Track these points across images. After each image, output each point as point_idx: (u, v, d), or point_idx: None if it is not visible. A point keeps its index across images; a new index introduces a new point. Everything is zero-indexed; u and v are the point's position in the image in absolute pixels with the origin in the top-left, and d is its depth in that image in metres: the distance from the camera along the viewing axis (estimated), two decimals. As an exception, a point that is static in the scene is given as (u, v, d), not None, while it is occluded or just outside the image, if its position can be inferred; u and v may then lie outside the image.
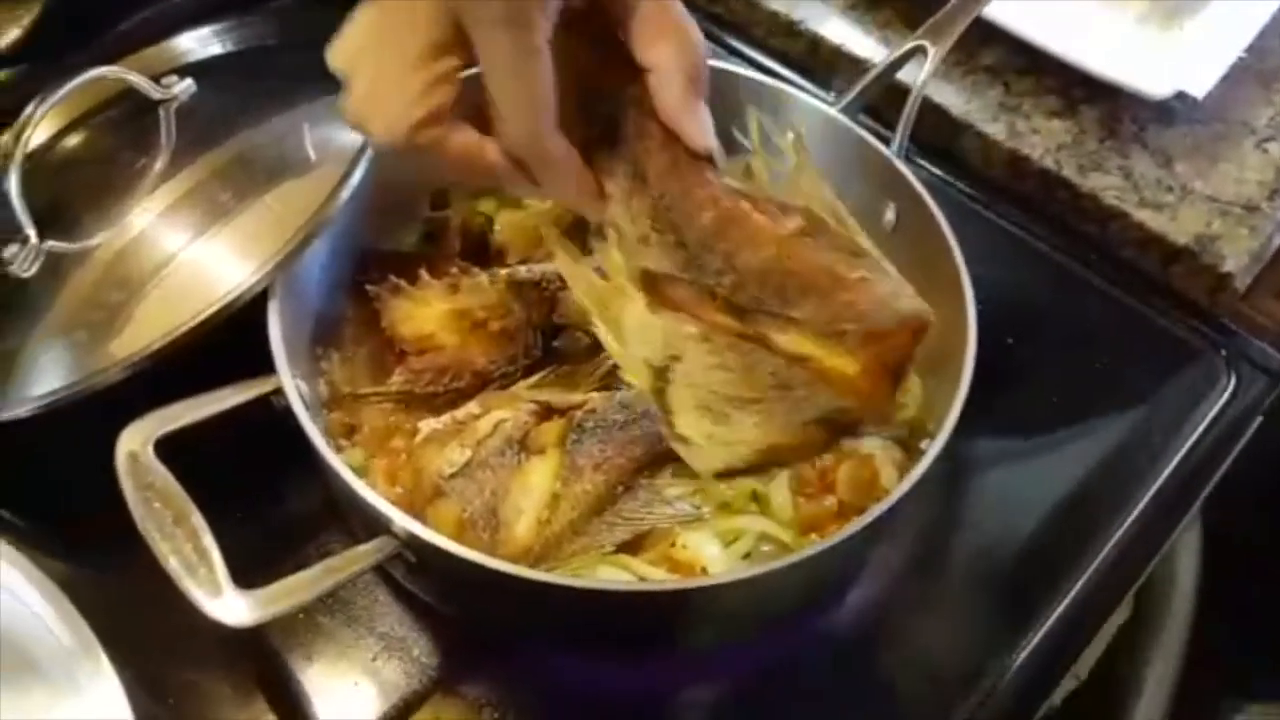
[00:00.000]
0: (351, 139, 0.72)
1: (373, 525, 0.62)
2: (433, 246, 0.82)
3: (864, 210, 0.79)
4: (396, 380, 0.73)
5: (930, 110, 0.93)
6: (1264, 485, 0.82)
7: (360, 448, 0.72)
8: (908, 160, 0.79)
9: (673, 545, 0.69)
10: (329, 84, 0.80)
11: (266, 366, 0.66)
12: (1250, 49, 0.95)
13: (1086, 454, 0.81)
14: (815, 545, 0.63)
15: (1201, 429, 0.81)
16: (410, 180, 0.80)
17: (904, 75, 0.82)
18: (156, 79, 0.79)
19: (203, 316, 0.66)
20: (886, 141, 0.79)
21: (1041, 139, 0.92)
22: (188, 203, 0.74)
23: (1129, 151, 0.92)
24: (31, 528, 0.72)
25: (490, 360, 0.73)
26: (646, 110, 0.60)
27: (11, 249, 0.72)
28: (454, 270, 0.77)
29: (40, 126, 0.74)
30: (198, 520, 0.61)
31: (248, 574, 0.60)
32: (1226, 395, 0.83)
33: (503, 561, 0.61)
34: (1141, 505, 0.77)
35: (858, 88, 0.82)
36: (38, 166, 0.77)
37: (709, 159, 0.61)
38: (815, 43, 0.99)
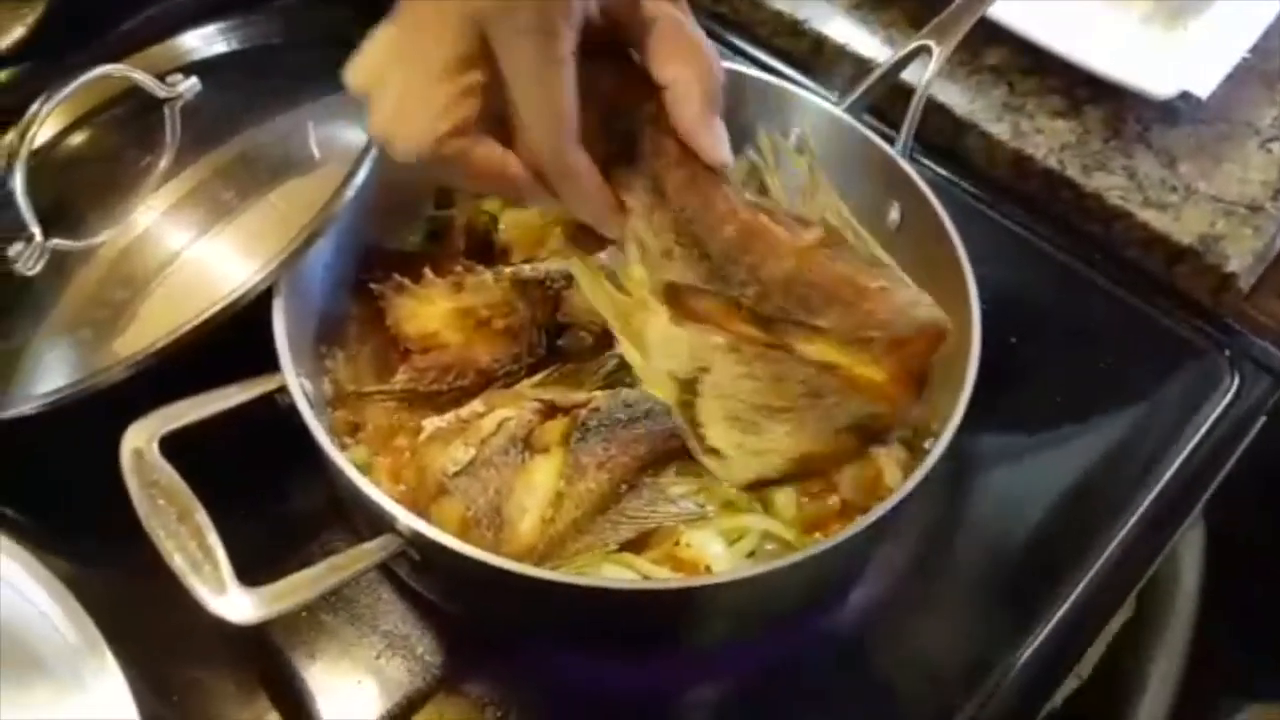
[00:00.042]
0: (356, 138, 0.73)
1: (377, 523, 0.62)
2: (437, 245, 0.82)
3: (869, 209, 0.80)
4: (400, 379, 0.73)
5: (934, 110, 0.93)
6: (1267, 485, 0.82)
7: (364, 446, 0.72)
8: (912, 160, 0.79)
9: (676, 544, 0.69)
10: (333, 83, 0.80)
11: (271, 365, 0.66)
12: (1254, 49, 0.95)
13: (1090, 454, 0.81)
14: (819, 544, 0.63)
15: (1205, 429, 0.81)
16: (414, 179, 0.80)
17: (908, 75, 0.82)
18: (161, 77, 0.79)
19: (207, 315, 0.66)
20: (891, 141, 0.79)
21: (1045, 139, 0.92)
22: (192, 201, 0.74)
23: (1133, 151, 0.92)
24: (36, 525, 0.72)
25: (494, 359, 0.73)
26: (663, 127, 0.61)
27: (16, 247, 0.72)
28: (458, 269, 0.77)
29: (45, 124, 0.74)
30: (202, 518, 0.61)
31: (252, 572, 0.60)
32: (1230, 395, 0.83)
33: (507, 559, 0.61)
34: (1144, 505, 0.77)
35: (862, 87, 0.82)
36: (43, 164, 0.77)
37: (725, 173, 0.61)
38: (820, 42, 0.99)
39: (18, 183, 0.72)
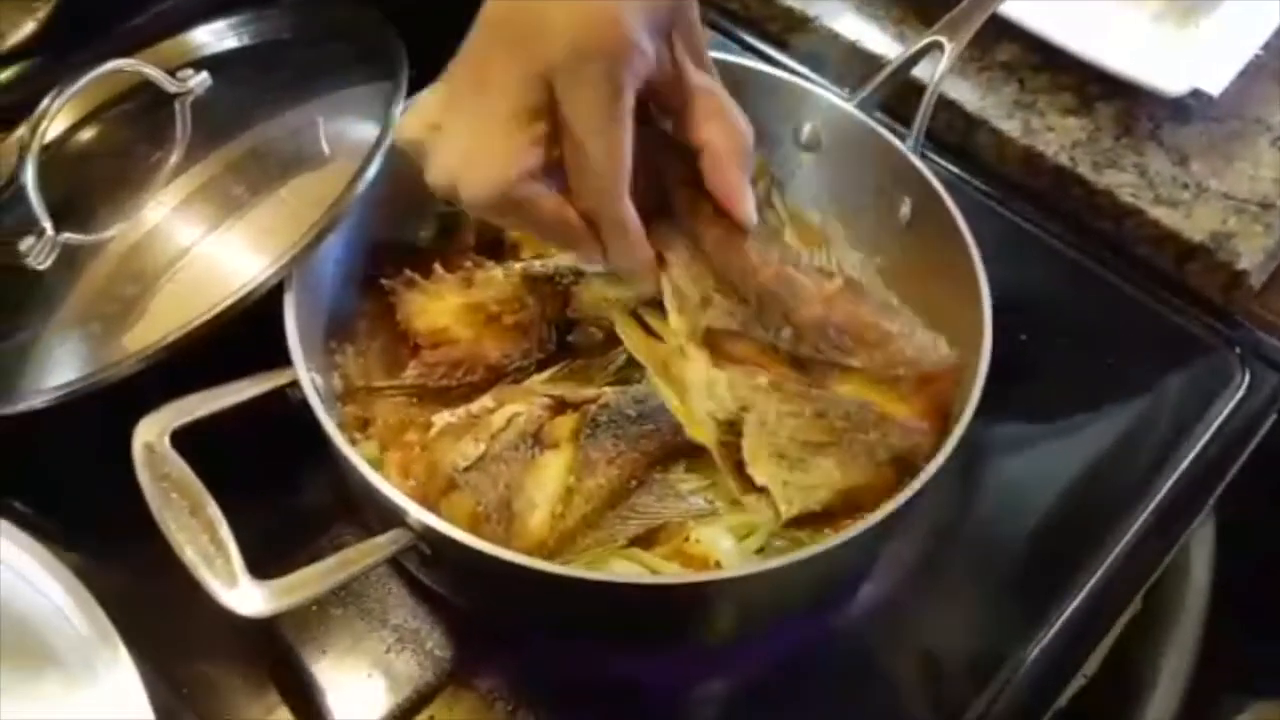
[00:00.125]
0: (366, 133, 0.73)
1: (387, 517, 0.62)
2: (447, 240, 0.82)
3: (880, 205, 0.80)
4: (410, 374, 0.73)
5: (945, 106, 0.93)
6: (1277, 482, 0.82)
7: (374, 441, 0.71)
8: (922, 156, 0.79)
9: (686, 540, 0.69)
10: (343, 78, 0.81)
11: (281, 359, 0.66)
12: (1266, 47, 0.95)
13: (1100, 450, 0.81)
14: (828, 540, 0.63)
15: (1215, 426, 0.81)
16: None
17: (919, 71, 0.82)
18: (172, 72, 0.79)
19: (218, 309, 0.66)
20: (902, 137, 0.79)
21: (1056, 136, 0.92)
22: (202, 196, 0.74)
23: (1144, 149, 0.92)
24: (48, 519, 0.72)
25: (504, 354, 0.73)
26: (697, 189, 0.66)
27: (27, 241, 0.72)
28: (468, 264, 0.77)
29: (56, 119, 0.74)
30: (214, 511, 0.61)
31: (262, 565, 0.60)
32: (1241, 393, 0.83)
33: (517, 553, 0.61)
34: (1155, 502, 0.77)
35: (874, 83, 0.82)
36: (54, 159, 0.78)
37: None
38: (831, 38, 0.99)
39: (29, 177, 0.72)
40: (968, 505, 0.78)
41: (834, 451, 0.65)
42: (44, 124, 0.73)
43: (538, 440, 0.69)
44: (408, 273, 0.76)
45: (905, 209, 0.79)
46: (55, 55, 0.86)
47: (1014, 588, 0.76)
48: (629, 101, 0.59)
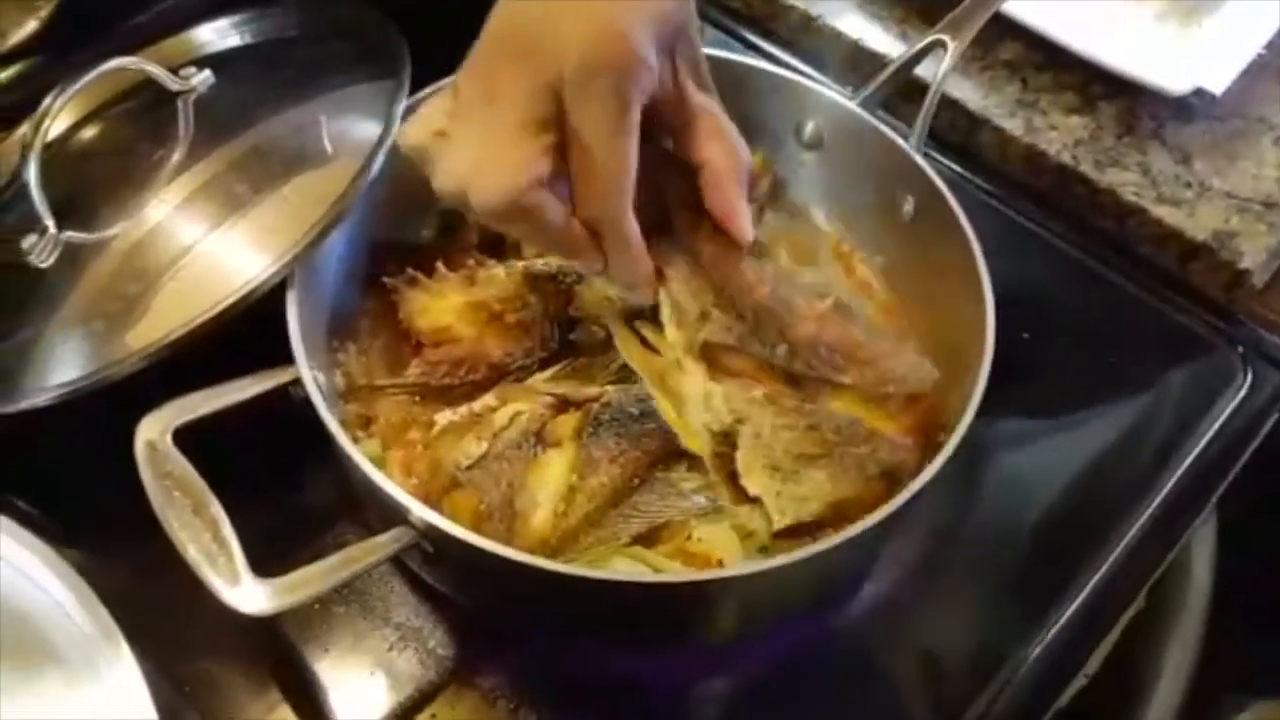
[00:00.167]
0: (368, 131, 0.73)
1: (390, 515, 0.62)
2: (449, 239, 0.82)
3: (882, 204, 0.80)
4: (413, 372, 0.73)
5: (948, 105, 0.93)
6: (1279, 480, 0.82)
7: (377, 439, 0.71)
8: (924, 155, 0.79)
9: (688, 538, 0.69)
10: (346, 76, 0.80)
11: (284, 358, 0.66)
12: (1269, 46, 0.95)
13: (1101, 449, 0.81)
14: (830, 539, 0.63)
15: (1217, 425, 0.81)
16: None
17: (922, 70, 0.82)
18: (175, 70, 0.79)
19: (220, 307, 0.66)
20: (905, 136, 0.79)
21: (1059, 135, 0.92)
22: (205, 194, 0.74)
23: (1147, 148, 0.92)
24: (50, 517, 0.72)
25: (506, 352, 0.73)
26: (695, 206, 0.67)
27: (30, 239, 0.72)
28: (470, 263, 0.77)
29: (59, 117, 0.74)
30: (216, 510, 0.61)
31: (265, 564, 0.60)
32: (1243, 392, 0.83)
33: (520, 552, 0.61)
34: (1157, 501, 0.77)
35: (876, 82, 0.82)
36: (56, 157, 0.78)
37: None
38: (834, 37, 0.99)
39: (31, 175, 0.72)
40: (968, 504, 0.78)
41: (826, 464, 0.66)
42: (46, 122, 0.72)
43: (540, 439, 0.69)
44: (410, 271, 0.76)
45: (908, 207, 0.79)
46: (58, 53, 0.86)
47: (1015, 587, 0.76)
48: (636, 116, 0.60)
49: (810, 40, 1.00)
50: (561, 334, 0.75)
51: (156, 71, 0.78)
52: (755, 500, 0.67)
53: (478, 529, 0.63)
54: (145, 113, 0.81)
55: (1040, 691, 0.71)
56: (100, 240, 0.73)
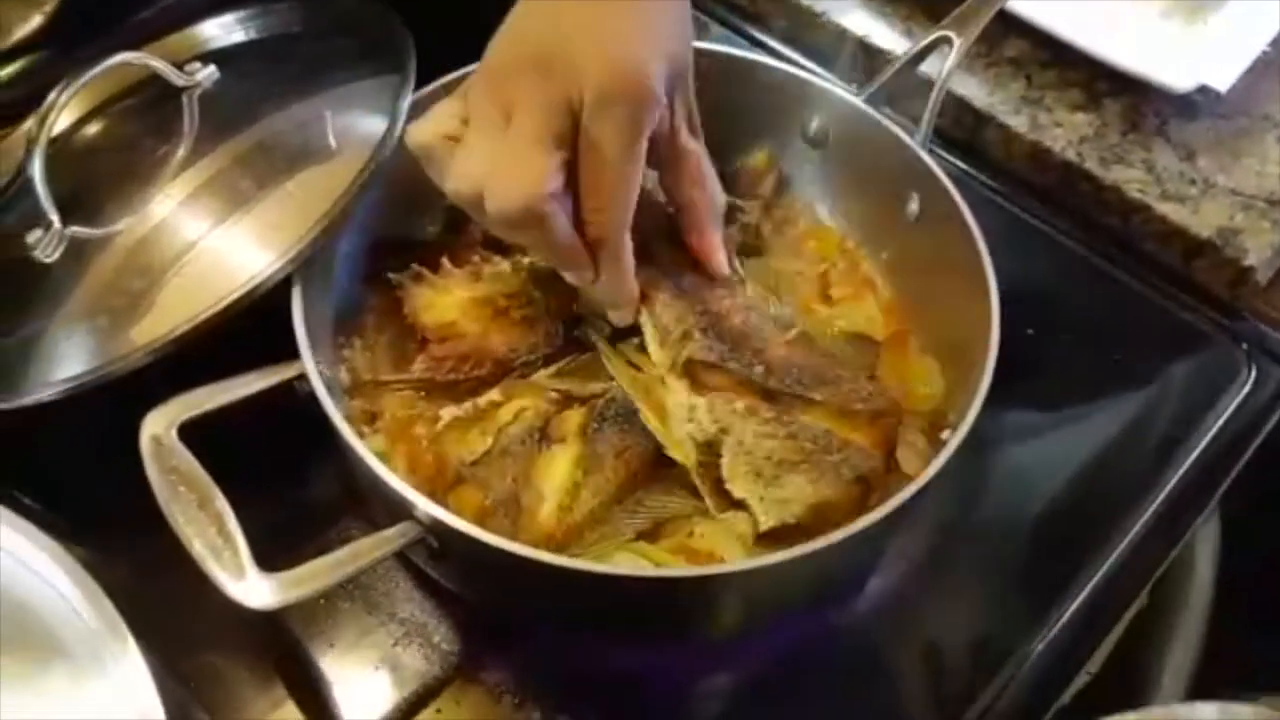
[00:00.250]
0: (373, 127, 0.73)
1: (395, 511, 0.62)
2: (454, 234, 0.81)
3: (888, 200, 0.80)
4: (418, 368, 0.73)
5: (953, 102, 0.93)
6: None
7: (382, 435, 0.72)
8: (930, 152, 0.78)
9: (690, 534, 0.69)
10: (351, 72, 0.80)
11: (289, 353, 0.66)
12: (1274, 43, 0.95)
13: (1105, 446, 0.81)
14: (833, 535, 0.63)
15: (1221, 422, 0.81)
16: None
17: (927, 67, 0.82)
18: (180, 65, 0.79)
19: (226, 303, 0.66)
20: (910, 133, 0.79)
21: (1064, 131, 0.92)
22: (210, 190, 0.74)
23: (1151, 145, 0.91)
24: (56, 512, 0.72)
25: (511, 348, 0.74)
26: (676, 241, 0.73)
27: (35, 234, 0.72)
28: (476, 258, 0.77)
29: (64, 112, 0.74)
30: (222, 504, 0.61)
31: (270, 558, 0.60)
32: (1247, 388, 0.83)
33: (525, 547, 0.61)
34: (1160, 497, 0.77)
35: (881, 79, 0.82)
36: (61, 152, 0.78)
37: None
38: (839, 34, 0.99)
39: (36, 170, 0.72)
40: (972, 500, 0.78)
41: (806, 469, 0.68)
42: (51, 117, 0.72)
43: (545, 434, 0.69)
44: (415, 267, 0.76)
45: (913, 204, 0.79)
46: (62, 49, 0.86)
47: (1018, 583, 0.76)
48: (645, 145, 0.63)
49: (815, 37, 1.00)
50: (566, 330, 0.75)
51: (161, 67, 0.78)
52: (740, 504, 0.68)
53: (483, 524, 0.63)
54: (150, 108, 0.81)
55: (1043, 688, 0.71)
56: (105, 235, 0.73)
